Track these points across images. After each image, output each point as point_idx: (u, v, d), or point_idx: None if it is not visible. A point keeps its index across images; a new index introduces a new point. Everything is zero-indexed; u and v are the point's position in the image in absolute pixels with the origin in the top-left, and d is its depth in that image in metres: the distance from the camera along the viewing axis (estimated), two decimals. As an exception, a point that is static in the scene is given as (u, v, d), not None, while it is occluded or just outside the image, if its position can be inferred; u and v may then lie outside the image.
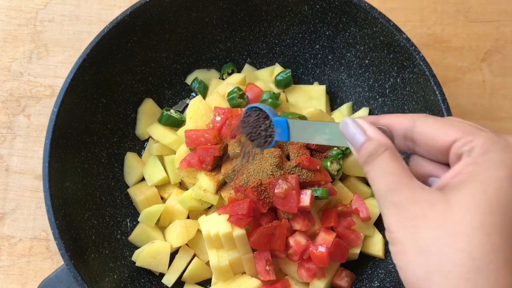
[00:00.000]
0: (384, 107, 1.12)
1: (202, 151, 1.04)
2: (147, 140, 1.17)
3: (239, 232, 0.99)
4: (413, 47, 0.99)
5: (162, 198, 1.13)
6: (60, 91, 0.99)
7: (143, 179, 1.14)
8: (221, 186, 1.07)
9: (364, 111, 1.15)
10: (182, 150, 1.09)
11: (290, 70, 1.15)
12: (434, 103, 0.99)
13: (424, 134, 0.67)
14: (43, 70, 1.23)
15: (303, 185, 1.01)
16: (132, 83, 1.13)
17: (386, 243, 1.09)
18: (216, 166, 1.07)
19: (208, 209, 1.10)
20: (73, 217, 1.01)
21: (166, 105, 1.19)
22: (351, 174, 1.11)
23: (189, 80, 1.19)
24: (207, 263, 1.08)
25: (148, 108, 1.15)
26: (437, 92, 0.97)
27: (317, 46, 1.14)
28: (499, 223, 0.58)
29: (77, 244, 0.99)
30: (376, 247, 1.08)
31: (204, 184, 1.05)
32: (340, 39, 1.11)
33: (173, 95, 1.19)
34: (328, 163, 1.04)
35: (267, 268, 1.01)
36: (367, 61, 1.10)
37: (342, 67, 1.15)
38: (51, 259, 1.15)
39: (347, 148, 1.08)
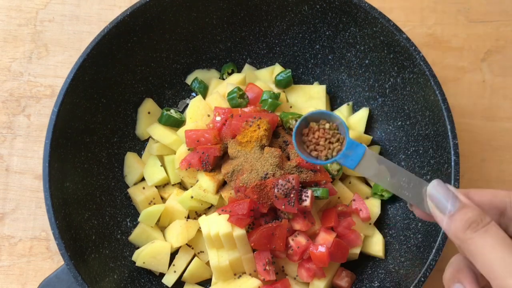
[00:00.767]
0: (384, 107, 1.12)
1: (202, 151, 1.04)
2: (147, 140, 1.17)
3: (239, 232, 0.99)
4: (413, 47, 0.99)
5: (162, 198, 1.13)
6: (60, 91, 0.99)
7: (143, 179, 1.14)
8: (221, 186, 1.07)
9: (364, 111, 1.15)
10: (182, 150, 1.09)
11: (290, 70, 1.15)
12: (434, 103, 0.99)
13: None
14: (43, 70, 1.23)
15: (303, 185, 1.01)
16: (132, 83, 1.13)
17: (386, 243, 1.09)
18: (216, 166, 1.07)
19: (208, 209, 1.10)
20: (73, 217, 1.01)
21: (166, 105, 1.19)
22: (351, 174, 1.11)
23: (189, 80, 1.19)
24: (207, 263, 1.08)
25: (148, 108, 1.15)
26: (437, 92, 0.97)
27: (317, 46, 1.14)
28: None
29: (77, 244, 0.99)
30: (376, 247, 1.08)
31: (204, 184, 1.05)
32: (340, 39, 1.11)
33: (173, 95, 1.19)
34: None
35: (267, 268, 1.01)
36: (367, 61, 1.10)
37: (342, 67, 1.14)
38: (51, 259, 1.15)
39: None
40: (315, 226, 1.03)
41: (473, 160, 1.19)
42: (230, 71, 1.18)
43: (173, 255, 1.09)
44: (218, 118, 1.07)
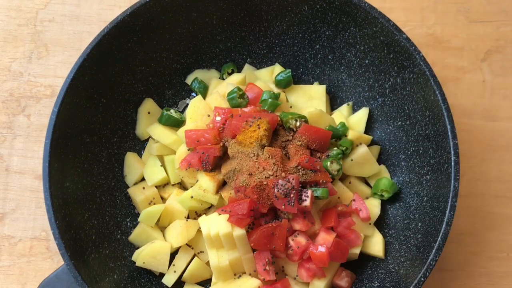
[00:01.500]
0: (384, 107, 1.12)
1: (202, 151, 1.04)
2: (147, 140, 1.17)
3: (239, 232, 0.99)
4: (413, 47, 0.99)
5: (162, 198, 1.13)
6: (60, 91, 0.99)
7: (143, 179, 1.14)
8: (221, 186, 1.07)
9: (364, 111, 1.15)
10: (182, 150, 1.09)
11: (290, 70, 1.15)
12: (434, 103, 0.99)
13: None
14: (43, 70, 1.23)
15: (303, 185, 1.01)
16: (132, 83, 1.13)
17: (386, 243, 1.09)
18: (216, 166, 1.07)
19: (208, 209, 1.10)
20: (73, 217, 1.01)
21: (166, 105, 1.19)
22: (351, 174, 1.11)
23: (189, 80, 1.19)
24: (207, 263, 1.08)
25: (148, 108, 1.15)
26: (437, 92, 0.97)
27: (317, 46, 1.14)
28: None
29: (77, 244, 0.99)
30: (376, 247, 1.08)
31: (204, 184, 1.05)
32: (340, 39, 1.11)
33: (173, 95, 1.19)
34: (328, 163, 1.04)
35: (267, 268, 1.01)
36: (367, 61, 1.10)
37: (342, 67, 1.14)
38: (51, 259, 1.15)
39: (347, 148, 1.08)
40: (315, 226, 1.03)
41: (473, 160, 1.19)
42: (230, 71, 1.18)
43: (173, 255, 1.09)
44: (218, 118, 1.07)
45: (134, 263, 1.08)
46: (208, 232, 1.01)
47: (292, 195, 0.97)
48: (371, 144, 1.14)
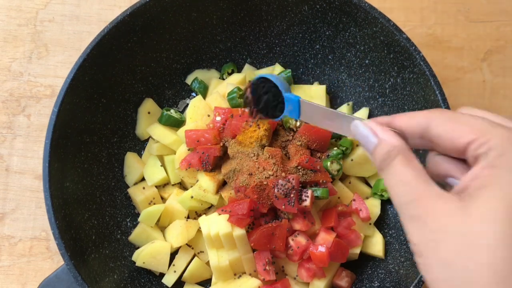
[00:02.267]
0: (384, 107, 1.12)
1: (202, 151, 1.04)
2: (147, 140, 1.17)
3: (239, 232, 0.99)
4: (413, 47, 0.99)
5: (162, 198, 1.13)
6: (60, 91, 0.99)
7: (143, 179, 1.14)
8: (221, 186, 1.07)
9: (364, 111, 1.15)
10: (182, 150, 1.09)
11: (290, 70, 1.15)
12: (434, 103, 0.99)
13: (438, 136, 0.64)
14: (43, 70, 1.23)
15: (303, 185, 1.01)
16: (132, 83, 1.13)
17: (386, 243, 1.09)
18: (216, 166, 1.07)
19: (208, 209, 1.10)
20: (73, 217, 1.01)
21: (166, 105, 1.19)
22: (351, 174, 1.11)
23: (189, 80, 1.19)
24: (207, 263, 1.08)
25: (148, 108, 1.15)
26: (437, 92, 0.97)
27: (317, 46, 1.14)
28: None
29: (77, 244, 0.99)
30: (376, 247, 1.08)
31: (204, 184, 1.05)
32: (340, 39, 1.11)
33: (173, 95, 1.19)
34: (328, 163, 1.04)
35: (267, 268, 1.01)
36: (367, 61, 1.10)
37: (342, 67, 1.15)
38: (51, 259, 1.15)
39: (347, 148, 1.08)
40: (315, 226, 1.03)
41: (473, 160, 1.19)
42: (230, 71, 1.18)
43: (173, 255, 1.09)
44: (218, 118, 1.07)
45: (134, 263, 1.08)
46: (208, 232, 1.01)
47: (292, 195, 0.97)
48: (371, 144, 1.14)
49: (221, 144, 1.06)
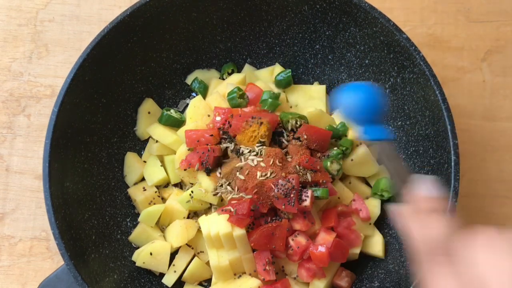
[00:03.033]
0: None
1: (202, 151, 1.04)
2: (147, 140, 1.17)
3: (239, 232, 0.99)
4: (413, 47, 0.99)
5: (162, 198, 1.13)
6: (60, 91, 0.99)
7: (143, 179, 1.14)
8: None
9: (364, 111, 1.14)
10: (182, 150, 1.09)
11: (290, 70, 1.15)
12: (434, 103, 0.99)
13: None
14: (43, 70, 1.23)
15: (303, 185, 1.01)
16: (132, 83, 1.13)
17: (386, 243, 1.09)
18: (216, 166, 1.07)
19: (208, 209, 1.10)
20: (73, 217, 1.01)
21: (166, 105, 1.19)
22: (351, 174, 1.11)
23: (189, 80, 1.19)
24: (207, 263, 1.08)
25: (148, 108, 1.15)
26: (437, 92, 0.97)
27: (317, 46, 1.14)
28: None
29: (77, 244, 0.99)
30: (376, 247, 1.08)
31: (204, 184, 1.05)
32: (340, 39, 1.11)
33: (173, 95, 1.19)
34: (328, 163, 1.04)
35: (267, 268, 1.01)
36: (367, 61, 1.10)
37: (342, 67, 1.15)
38: (51, 259, 1.15)
39: (347, 148, 1.08)
40: (315, 226, 1.03)
41: (473, 160, 1.19)
42: (230, 71, 1.18)
43: (173, 255, 1.09)
44: (218, 118, 1.07)
45: (134, 263, 1.08)
46: (208, 232, 1.01)
47: (292, 195, 0.97)
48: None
49: (221, 144, 1.06)
